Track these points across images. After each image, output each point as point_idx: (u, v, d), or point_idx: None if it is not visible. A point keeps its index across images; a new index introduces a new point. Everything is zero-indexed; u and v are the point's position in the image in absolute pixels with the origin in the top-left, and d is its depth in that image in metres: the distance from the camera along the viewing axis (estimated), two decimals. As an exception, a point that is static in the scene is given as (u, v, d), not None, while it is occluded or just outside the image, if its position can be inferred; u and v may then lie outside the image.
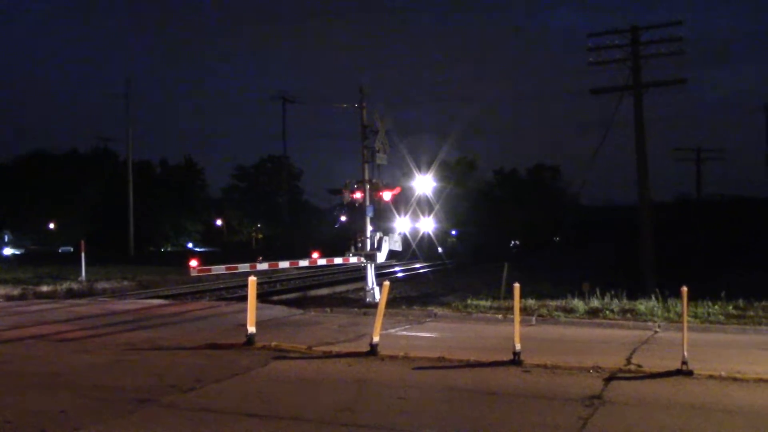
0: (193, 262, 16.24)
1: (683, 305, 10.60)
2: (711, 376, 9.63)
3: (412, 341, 12.95)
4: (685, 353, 9.85)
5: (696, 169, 58.82)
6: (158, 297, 23.05)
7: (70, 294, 23.91)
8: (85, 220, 72.35)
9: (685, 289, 10.48)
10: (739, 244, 47.57)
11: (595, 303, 17.11)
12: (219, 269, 18.12)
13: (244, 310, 12.68)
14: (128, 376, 9.78)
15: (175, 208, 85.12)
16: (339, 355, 11.29)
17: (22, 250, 70.65)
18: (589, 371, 10.01)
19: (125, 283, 28.08)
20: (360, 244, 20.50)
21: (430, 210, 21.21)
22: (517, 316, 10.97)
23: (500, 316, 15.91)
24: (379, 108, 20.63)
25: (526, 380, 9.59)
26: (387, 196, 20.50)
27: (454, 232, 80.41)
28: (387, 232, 20.49)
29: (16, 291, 23.04)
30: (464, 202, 76.98)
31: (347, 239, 21.43)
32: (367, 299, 19.74)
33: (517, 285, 11.36)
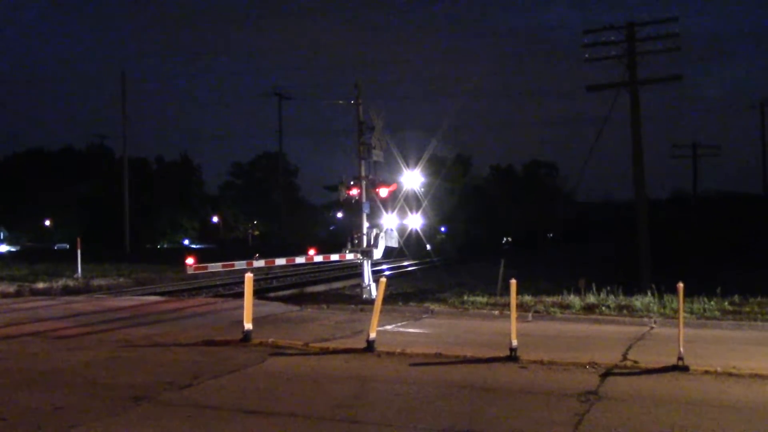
0: (190, 260, 16.22)
1: (679, 301, 10.62)
2: (707, 372, 9.67)
3: (409, 337, 12.96)
4: (681, 349, 9.88)
5: (692, 166, 58.93)
6: (154, 294, 23.02)
7: (66, 291, 23.86)
8: (81, 217, 72.35)
9: (681, 285, 10.51)
10: (736, 240, 47.60)
11: (592, 299, 17.14)
12: (215, 266, 18.08)
13: (241, 307, 12.67)
14: (125, 373, 9.77)
15: (171, 204, 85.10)
16: (336, 352, 11.29)
17: (18, 247, 70.54)
18: (585, 367, 10.03)
19: (121, 280, 28.02)
20: (356, 241, 20.50)
21: (418, 206, 21.08)
22: (513, 312, 10.99)
23: (497, 312, 15.93)
24: (376, 104, 20.64)
25: (523, 376, 9.61)
26: (384, 192, 20.49)
27: (443, 229, 79.81)
28: (376, 229, 20.47)
29: (11, 288, 22.98)
30: (453, 198, 76.19)
31: (344, 236, 21.42)
32: (364, 296, 19.75)
33: (513, 281, 11.38)
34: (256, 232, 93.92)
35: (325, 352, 11.37)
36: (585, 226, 72.66)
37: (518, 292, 12.13)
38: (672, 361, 9.89)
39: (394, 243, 21.00)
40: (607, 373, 9.67)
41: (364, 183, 20.43)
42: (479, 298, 17.81)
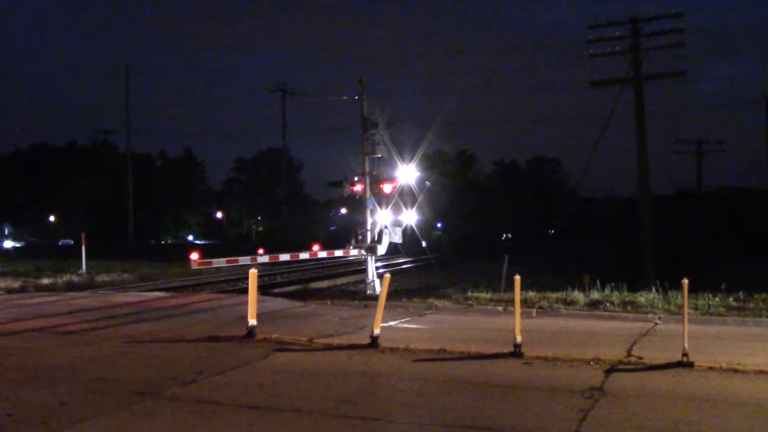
0: (194, 255, 16.24)
1: (684, 297, 10.60)
2: (711, 368, 9.65)
3: (413, 333, 12.97)
4: (686, 345, 9.87)
5: (697, 161, 58.75)
6: (159, 289, 23.06)
7: (71, 287, 23.92)
8: (85, 213, 72.48)
9: (685, 281, 10.49)
10: (741, 236, 47.48)
11: (596, 295, 17.13)
12: (220, 262, 18.12)
13: (245, 303, 12.69)
14: (129, 368, 9.79)
15: (175, 200, 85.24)
16: (340, 348, 11.30)
17: (23, 243, 70.71)
18: (589, 363, 10.03)
19: (125, 275, 28.10)
20: (360, 237, 20.50)
21: (413, 202, 20.91)
22: (517, 308, 10.98)
23: (501, 308, 15.93)
24: (380, 101, 20.63)
25: (527, 372, 9.60)
26: (388, 188, 20.47)
27: (439, 225, 78.76)
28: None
29: (16, 284, 23.06)
30: (450, 193, 75.33)
31: (347, 232, 21.41)
32: (368, 291, 19.75)
33: (517, 277, 11.37)
34: (260, 228, 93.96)
35: (330, 347, 11.38)
36: (588, 222, 72.34)
37: (522, 289, 12.12)
38: (676, 357, 9.88)
39: (398, 239, 20.99)
40: (612, 369, 9.66)
41: (367, 179, 20.43)
42: (483, 294, 17.80)
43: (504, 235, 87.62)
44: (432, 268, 35.19)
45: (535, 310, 15.53)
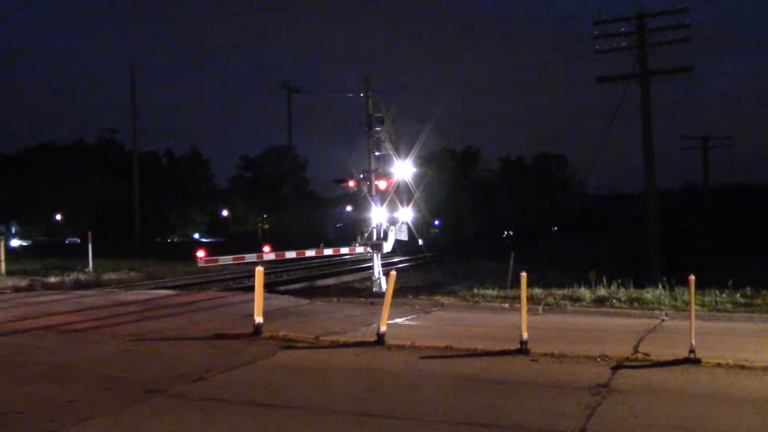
0: (201, 253, 16.27)
1: (690, 294, 10.57)
2: (719, 365, 9.62)
3: (419, 330, 12.97)
4: (693, 341, 9.84)
5: (703, 157, 58.59)
6: (165, 287, 23.12)
7: (78, 285, 24.00)
8: (92, 211, 72.66)
9: (692, 277, 10.46)
10: (748, 232, 47.38)
11: (602, 292, 17.08)
12: (226, 260, 18.15)
13: (251, 300, 12.71)
14: (136, 366, 9.82)
15: (181, 198, 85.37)
16: (346, 345, 11.31)
17: (30, 242, 70.95)
18: (596, 360, 10.01)
19: (132, 273, 28.17)
20: (366, 234, 20.50)
21: (410, 198, 20.77)
22: (524, 305, 10.96)
23: (507, 305, 15.91)
24: (385, 97, 20.58)
25: (534, 369, 9.59)
26: (382, 185, 20.41)
27: (437, 222, 77.35)
28: (362, 222, 20.31)
29: (24, 282, 23.14)
30: (448, 189, 73.81)
31: (353, 229, 21.38)
32: (374, 289, 19.76)
33: (524, 274, 11.36)
34: (266, 226, 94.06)
35: (336, 345, 11.39)
36: (593, 218, 71.99)
37: (528, 285, 12.10)
38: (683, 353, 9.85)
39: (404, 236, 20.98)
40: (619, 366, 9.64)
41: (373, 176, 20.43)
42: (489, 291, 17.78)
43: (505, 233, 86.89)
44: (427, 266, 34.73)
45: (541, 307, 15.51)
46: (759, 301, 15.58)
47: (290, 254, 19.79)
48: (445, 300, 16.94)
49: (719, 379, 8.96)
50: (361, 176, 20.54)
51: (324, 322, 13.98)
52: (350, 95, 21.03)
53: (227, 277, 27.89)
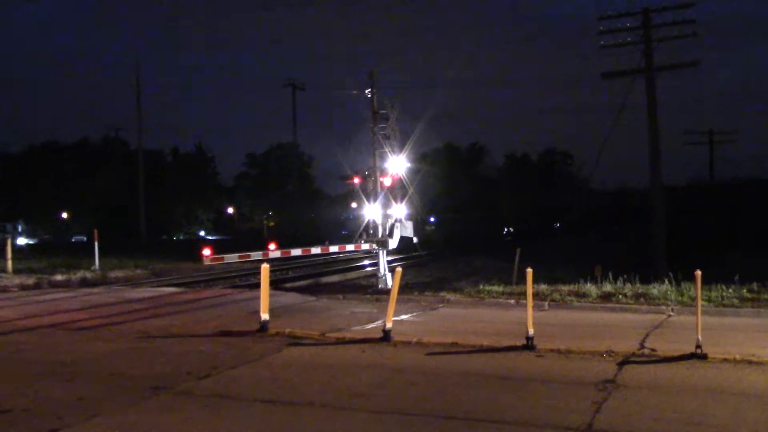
0: (206, 251, 16.29)
1: (697, 289, 10.55)
2: (725, 360, 9.61)
3: (425, 327, 12.97)
4: (699, 337, 9.83)
5: (709, 152, 58.44)
6: (171, 285, 23.16)
7: (84, 283, 24.05)
8: (98, 209, 72.74)
9: (698, 272, 10.44)
10: (754, 227, 47.18)
11: (608, 287, 17.07)
12: (232, 257, 18.16)
13: (257, 297, 12.73)
14: (143, 363, 9.85)
15: (186, 196, 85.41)
16: (352, 342, 11.32)
17: (36, 240, 71.12)
18: (602, 355, 10.01)
19: (138, 271, 28.22)
20: (372, 231, 20.50)
21: (404, 195, 20.64)
22: (529, 301, 10.96)
23: (513, 301, 15.90)
24: (389, 94, 20.56)
25: (540, 365, 9.59)
26: (387, 181, 20.40)
27: (432, 219, 75.87)
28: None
29: (30, 280, 23.19)
30: (445, 184, 72.80)
31: (358, 226, 21.36)
32: (380, 285, 19.77)
33: (529, 270, 11.35)
34: (271, 224, 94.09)
35: (342, 341, 11.40)
36: (599, 214, 71.66)
37: (534, 281, 12.09)
38: (690, 348, 9.84)
39: (409, 233, 20.98)
40: (625, 362, 9.64)
41: (378, 173, 20.42)
42: (495, 288, 17.78)
43: (506, 229, 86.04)
44: (422, 268, 34.21)
45: (547, 303, 15.50)
46: (766, 296, 15.56)
47: (296, 251, 19.81)
48: (450, 296, 16.94)
49: (726, 374, 8.95)
50: (366, 173, 20.53)
51: (330, 318, 13.99)
52: (354, 92, 21.00)
53: (233, 274, 27.92)
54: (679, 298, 15.39)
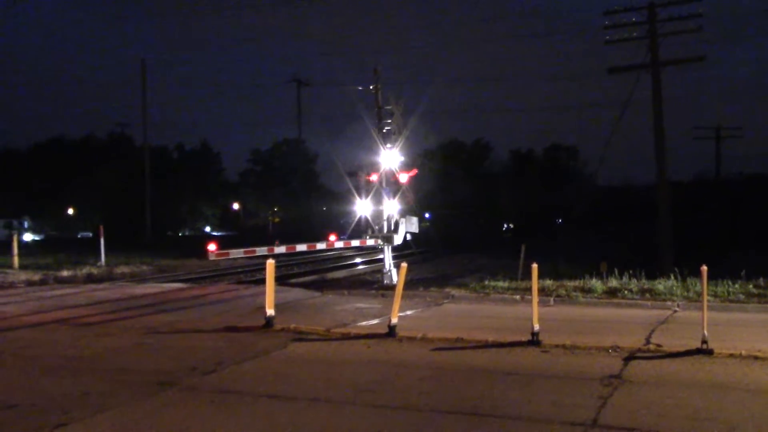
0: (212, 246, 16.32)
1: (703, 284, 10.53)
2: (731, 355, 9.59)
3: (430, 322, 12.97)
4: (705, 332, 9.80)
5: (715, 148, 58.18)
6: (177, 281, 23.21)
7: (90, 279, 24.12)
8: (104, 205, 72.96)
9: (704, 268, 10.42)
10: (760, 223, 47.04)
11: (614, 283, 17.04)
12: (237, 253, 18.21)
13: (263, 293, 12.75)
14: (149, 359, 9.88)
15: (192, 192, 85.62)
16: (357, 337, 11.34)
17: (42, 236, 71.37)
18: (608, 351, 9.99)
19: (144, 267, 28.28)
20: (377, 227, 20.49)
21: (397, 190, 20.53)
22: (535, 296, 10.96)
23: (518, 296, 15.89)
24: (395, 89, 20.53)
25: (545, 360, 9.58)
26: (403, 178, 20.41)
27: (427, 215, 74.32)
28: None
29: (37, 276, 23.27)
30: (442, 180, 71.37)
31: (363, 222, 21.31)
32: (385, 281, 19.77)
33: (535, 265, 11.33)
34: (277, 219, 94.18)
35: (347, 337, 11.41)
36: (605, 210, 71.27)
37: (539, 277, 12.08)
38: (696, 344, 9.82)
39: (414, 228, 20.96)
40: (630, 357, 9.62)
41: (383, 168, 20.40)
42: (500, 283, 17.77)
43: (505, 226, 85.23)
44: (415, 267, 33.71)
45: (552, 299, 15.49)
46: (772, 292, 15.49)
47: (301, 247, 19.82)
48: (455, 292, 16.94)
49: (732, 370, 8.92)
50: (361, 169, 20.51)
51: (335, 314, 14.01)
52: (360, 88, 20.97)
53: (238, 270, 27.97)
54: (685, 294, 15.36)
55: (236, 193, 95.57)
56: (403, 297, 12.13)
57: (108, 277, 24.81)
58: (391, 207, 20.26)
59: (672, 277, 17.21)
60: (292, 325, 12.10)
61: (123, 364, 9.53)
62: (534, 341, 10.45)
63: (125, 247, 37.13)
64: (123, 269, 26.95)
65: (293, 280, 23.79)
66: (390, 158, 20.37)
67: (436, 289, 17.56)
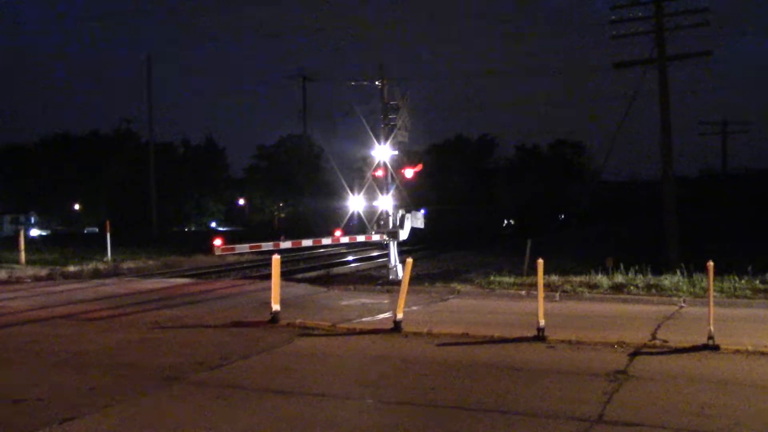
0: (218, 241, 16.34)
1: (709, 280, 10.50)
2: (737, 351, 9.57)
3: (436, 318, 12.98)
4: (711, 328, 9.79)
5: (722, 143, 58.00)
6: (183, 276, 23.25)
7: (97, 274, 24.18)
8: (109, 201, 73.18)
9: (711, 263, 10.39)
10: (767, 218, 46.89)
11: (620, 278, 16.99)
12: (243, 248, 18.20)
13: (268, 288, 12.77)
14: (155, 354, 9.90)
15: (197, 188, 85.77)
16: (363, 332, 11.35)
17: (48, 232, 71.59)
18: (613, 346, 9.98)
19: (150, 262, 28.33)
20: (382, 222, 20.48)
21: (401, 186, 20.42)
22: (540, 292, 10.94)
23: (523, 292, 15.88)
24: (401, 86, 20.48)
25: (551, 356, 9.58)
26: (409, 173, 20.38)
27: (423, 211, 72.37)
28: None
29: (43, 272, 23.35)
30: (439, 175, 70.78)
31: (370, 218, 21.30)
32: (390, 276, 19.75)
33: (540, 261, 11.32)
34: (282, 215, 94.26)
35: (353, 332, 11.43)
36: (610, 205, 71.01)
37: (545, 272, 12.06)
38: (702, 340, 9.80)
39: (420, 224, 20.94)
40: (636, 353, 9.61)
41: (389, 164, 20.38)
42: (506, 279, 17.74)
43: (506, 222, 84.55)
44: (430, 259, 33.48)
45: (558, 294, 15.47)
46: (778, 288, 15.44)
47: (307, 242, 19.83)
48: (461, 287, 16.93)
49: (738, 366, 8.91)
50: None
51: (341, 309, 14.02)
52: (365, 83, 20.93)
53: (245, 265, 28.00)
54: (691, 290, 15.32)
55: (242, 189, 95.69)
56: (408, 292, 12.13)
57: (114, 273, 24.87)
58: (390, 202, 20.23)
59: (678, 272, 17.16)
60: (298, 321, 12.12)
61: (129, 359, 9.56)
62: (540, 337, 10.45)
63: (131, 242, 37.16)
64: (129, 264, 27.01)
65: (299, 276, 23.79)
66: (395, 154, 20.35)
67: (442, 285, 17.56)
